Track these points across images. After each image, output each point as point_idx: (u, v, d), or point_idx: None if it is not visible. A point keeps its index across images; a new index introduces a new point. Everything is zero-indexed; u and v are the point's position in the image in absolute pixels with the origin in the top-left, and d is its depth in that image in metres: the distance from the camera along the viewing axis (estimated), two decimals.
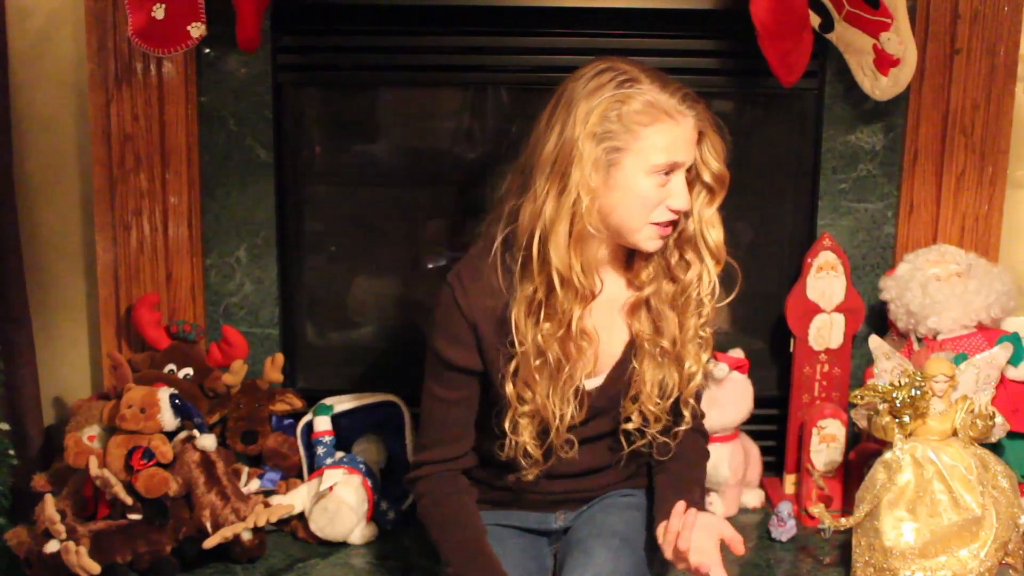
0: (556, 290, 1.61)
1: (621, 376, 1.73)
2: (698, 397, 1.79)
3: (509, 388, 1.66)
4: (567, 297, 1.62)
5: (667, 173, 1.62)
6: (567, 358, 1.65)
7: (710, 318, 1.72)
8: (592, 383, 1.72)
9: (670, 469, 1.77)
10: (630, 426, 1.73)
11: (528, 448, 1.69)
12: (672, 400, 1.73)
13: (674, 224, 1.67)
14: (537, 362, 1.64)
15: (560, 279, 1.61)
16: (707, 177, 1.67)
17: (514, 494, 1.78)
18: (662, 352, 1.71)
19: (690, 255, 1.70)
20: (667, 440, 1.74)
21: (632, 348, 1.73)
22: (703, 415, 1.85)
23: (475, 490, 1.76)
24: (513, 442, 1.69)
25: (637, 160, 1.60)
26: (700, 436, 1.84)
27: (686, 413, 1.74)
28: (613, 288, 1.72)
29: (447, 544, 1.68)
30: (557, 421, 1.67)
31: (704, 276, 1.70)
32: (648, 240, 1.66)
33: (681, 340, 1.71)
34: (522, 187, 1.66)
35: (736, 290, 1.74)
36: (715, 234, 1.69)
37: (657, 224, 1.64)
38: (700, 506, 1.67)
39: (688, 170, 1.65)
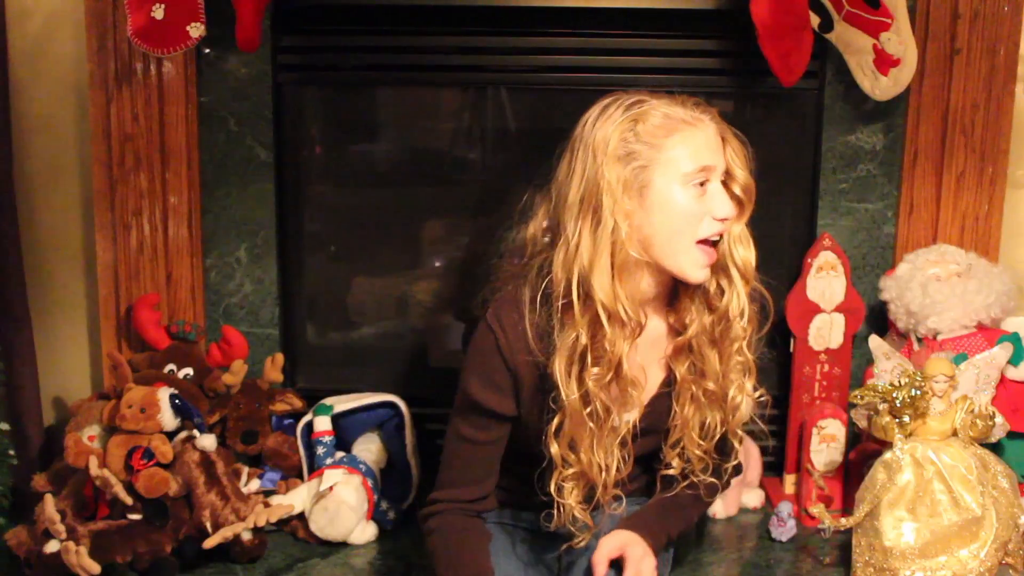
0: (603, 327, 1.54)
1: (654, 410, 1.67)
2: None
3: (555, 448, 1.58)
4: (615, 333, 1.55)
5: (702, 184, 1.55)
6: (613, 403, 1.58)
7: (747, 341, 1.64)
8: (627, 416, 1.65)
9: (671, 495, 1.71)
10: (671, 472, 1.67)
11: (576, 513, 1.60)
12: (716, 439, 1.67)
13: (717, 244, 1.59)
14: (584, 413, 1.56)
15: (607, 314, 1.53)
16: (737, 189, 1.59)
17: (524, 495, 1.72)
18: (706, 394, 1.64)
19: (724, 280, 1.62)
20: (714, 481, 1.69)
21: (670, 385, 1.67)
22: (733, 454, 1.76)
23: (490, 534, 1.70)
24: (560, 507, 1.60)
25: (666, 173, 1.54)
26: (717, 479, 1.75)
27: (736, 444, 1.69)
28: (654, 328, 1.65)
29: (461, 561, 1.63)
30: (604, 475, 1.60)
31: (734, 299, 1.61)
32: (694, 266, 1.57)
33: (723, 372, 1.63)
34: (551, 241, 1.60)
35: (771, 318, 1.68)
36: (743, 251, 1.61)
37: (703, 242, 1.57)
38: (657, 543, 1.65)
39: (723, 182, 1.59)
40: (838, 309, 2.19)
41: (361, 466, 2.09)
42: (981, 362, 1.97)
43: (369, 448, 2.17)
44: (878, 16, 2.03)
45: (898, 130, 2.19)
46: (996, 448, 2.00)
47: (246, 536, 1.95)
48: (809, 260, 2.18)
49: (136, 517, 1.92)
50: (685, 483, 1.69)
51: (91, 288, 2.30)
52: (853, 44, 2.08)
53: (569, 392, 1.55)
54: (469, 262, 2.30)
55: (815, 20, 2.05)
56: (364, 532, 2.05)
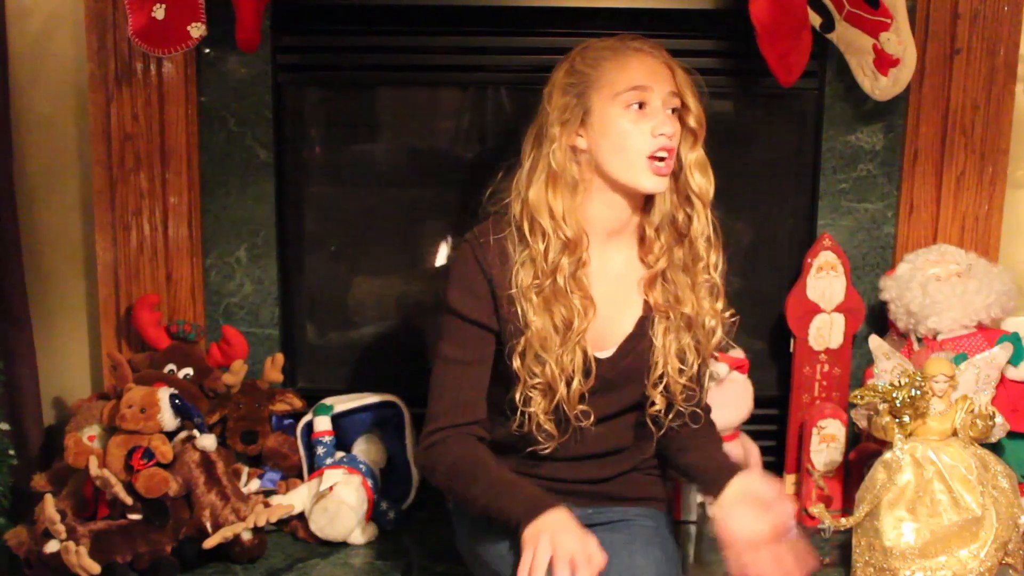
0: (541, 244, 1.66)
1: (632, 349, 1.73)
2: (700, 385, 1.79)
3: (517, 363, 1.68)
4: (553, 248, 1.66)
5: (640, 106, 1.64)
6: (570, 318, 1.67)
7: (712, 263, 1.73)
8: (601, 355, 1.73)
9: (703, 449, 1.78)
10: (655, 410, 1.74)
11: (541, 420, 1.69)
12: (696, 368, 1.74)
13: (666, 160, 1.67)
14: (539, 323, 1.66)
15: (542, 230, 1.66)
16: (690, 119, 1.68)
17: (525, 446, 1.75)
18: (682, 318, 1.72)
19: (687, 208, 1.72)
20: (696, 409, 1.75)
21: (646, 323, 1.74)
22: (709, 409, 1.86)
23: (492, 453, 1.72)
24: (526, 415, 1.69)
25: (602, 93, 1.65)
26: (713, 428, 1.86)
27: (706, 375, 1.76)
28: (624, 264, 1.75)
29: (478, 488, 1.63)
30: (563, 386, 1.67)
31: (695, 222, 1.71)
32: (645, 176, 1.66)
33: (695, 297, 1.73)
34: (508, 174, 1.74)
35: (722, 249, 1.75)
36: (699, 177, 1.70)
37: (650, 157, 1.65)
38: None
39: (678, 115, 1.67)
40: (838, 309, 2.19)
41: (361, 466, 2.09)
42: (981, 362, 1.97)
43: (369, 448, 2.17)
44: (878, 16, 2.03)
45: (898, 130, 2.19)
46: (996, 448, 2.00)
47: (246, 536, 1.94)
48: (809, 260, 2.18)
49: (136, 517, 1.92)
50: (671, 417, 1.74)
51: (91, 288, 2.30)
52: (854, 44, 2.08)
53: (526, 302, 1.67)
54: None
55: (816, 20, 2.05)
56: (364, 532, 2.05)
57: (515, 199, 1.71)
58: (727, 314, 1.75)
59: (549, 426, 1.70)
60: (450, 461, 1.68)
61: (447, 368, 1.71)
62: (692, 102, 1.68)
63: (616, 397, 1.75)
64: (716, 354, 1.79)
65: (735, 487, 1.67)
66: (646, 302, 1.74)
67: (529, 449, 1.73)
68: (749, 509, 1.63)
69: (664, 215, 1.72)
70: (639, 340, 1.74)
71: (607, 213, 1.71)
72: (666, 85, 1.66)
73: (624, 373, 1.74)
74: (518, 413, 1.69)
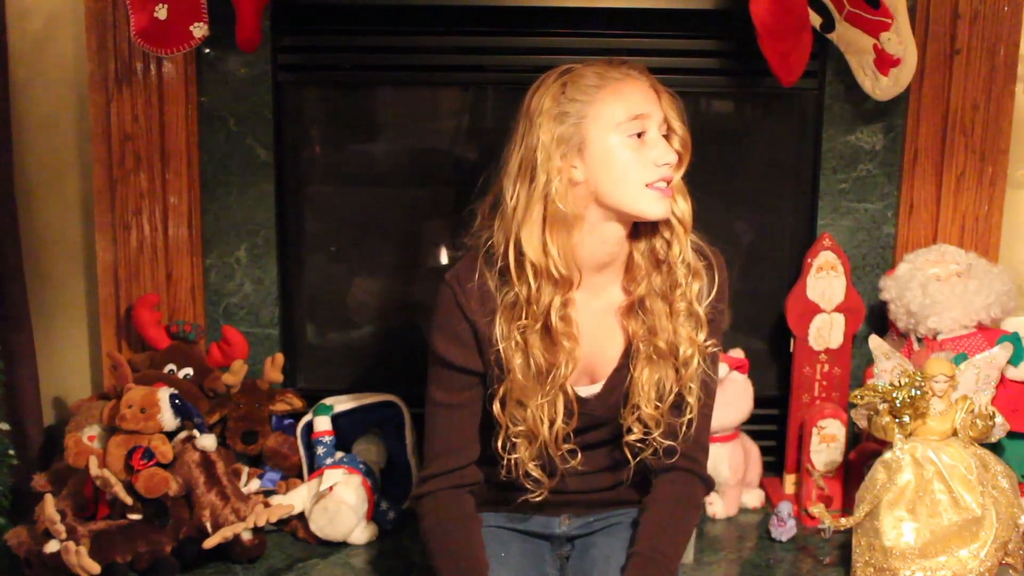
0: (533, 282, 1.60)
1: (620, 384, 1.70)
2: (698, 428, 1.71)
3: (497, 408, 1.65)
4: (543, 286, 1.61)
5: (639, 134, 1.60)
6: (554, 361, 1.63)
7: (693, 292, 1.67)
8: (589, 391, 1.71)
9: (660, 507, 1.71)
10: (632, 438, 1.69)
11: (529, 469, 1.66)
12: (670, 400, 1.69)
13: (670, 186, 1.63)
14: (522, 368, 1.62)
15: (533, 269, 1.60)
16: (675, 143, 1.64)
17: (519, 493, 1.74)
18: (657, 351, 1.67)
19: (666, 232, 1.67)
20: (672, 444, 1.69)
21: (627, 354, 1.70)
22: (705, 452, 1.76)
23: (480, 518, 1.72)
24: (512, 462, 1.66)
25: (600, 124, 1.60)
26: (700, 482, 1.75)
27: (690, 400, 1.68)
28: (610, 295, 1.71)
29: (436, 559, 1.65)
30: (545, 429, 1.64)
31: (675, 246, 1.66)
32: (650, 203, 1.61)
33: (673, 327, 1.67)
34: (494, 209, 1.67)
35: (719, 278, 1.69)
36: (681, 202, 1.65)
37: (651, 186, 1.61)
38: (670, 561, 1.65)
39: (665, 136, 1.64)
40: (838, 309, 2.19)
41: (361, 466, 2.09)
42: (981, 362, 1.97)
43: (369, 448, 2.17)
44: (878, 16, 2.03)
45: (898, 130, 2.19)
46: (996, 448, 2.00)
47: (246, 536, 1.95)
48: (809, 260, 2.18)
49: (136, 517, 1.92)
50: (649, 451, 1.70)
51: (91, 288, 2.30)
52: (854, 44, 2.08)
53: (508, 348, 1.63)
54: None
55: (817, 20, 2.05)
56: (364, 532, 2.05)
57: (499, 236, 1.64)
58: (707, 343, 1.68)
59: (537, 473, 1.67)
60: (434, 525, 1.68)
61: (437, 412, 1.71)
62: (678, 125, 1.64)
63: (599, 433, 1.73)
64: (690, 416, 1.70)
65: None
66: (626, 333, 1.70)
67: (521, 500, 1.71)
68: None
69: (648, 242, 1.68)
70: (625, 373, 1.70)
71: (600, 248, 1.66)
72: (659, 111, 1.63)
73: (611, 408, 1.71)
74: (504, 461, 1.67)
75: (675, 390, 1.69)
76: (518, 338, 1.63)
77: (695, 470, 1.74)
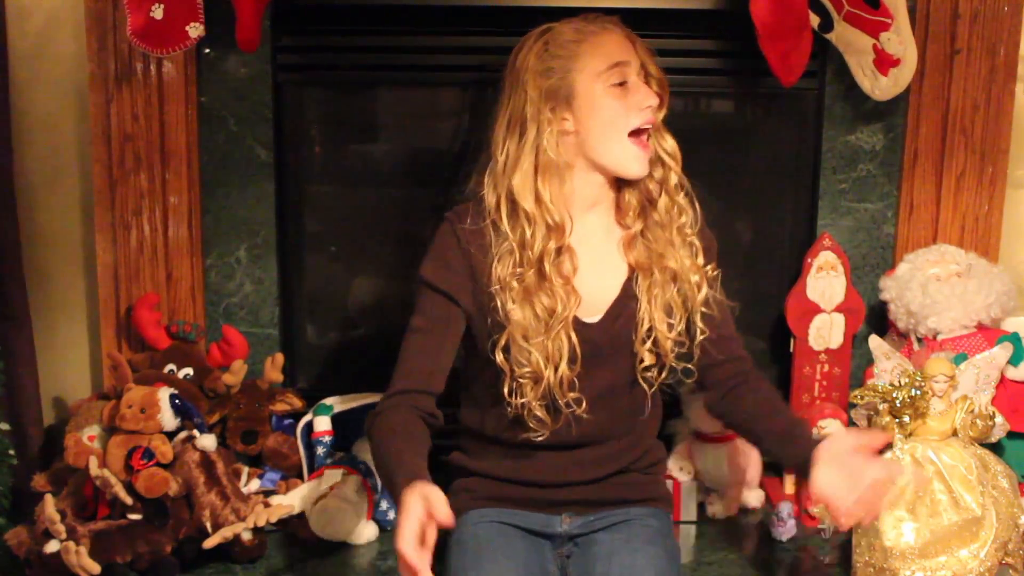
0: (526, 231, 1.66)
1: (620, 313, 1.73)
2: (727, 338, 1.78)
3: (500, 356, 1.68)
4: (537, 235, 1.67)
5: (621, 83, 1.67)
6: (552, 305, 1.67)
7: (688, 219, 1.74)
8: (591, 319, 1.73)
9: (756, 399, 1.76)
10: (644, 367, 1.73)
11: (533, 408, 1.69)
12: (683, 322, 1.74)
13: (649, 136, 1.70)
14: (521, 312, 1.66)
15: (527, 216, 1.66)
16: (654, 84, 1.71)
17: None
18: (667, 272, 1.72)
19: (658, 169, 1.74)
20: (689, 366, 1.75)
21: (631, 283, 1.74)
22: (744, 351, 1.82)
23: (429, 440, 1.69)
24: (518, 404, 1.69)
25: (585, 75, 1.67)
26: (755, 370, 1.82)
27: (701, 324, 1.74)
28: (604, 230, 1.76)
29: (384, 452, 1.64)
30: (552, 372, 1.67)
31: (672, 177, 1.73)
32: (632, 160, 1.69)
33: (678, 255, 1.73)
34: (483, 169, 1.73)
35: (698, 209, 1.75)
36: (668, 138, 1.74)
37: (636, 135, 1.68)
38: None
39: (645, 82, 1.71)
40: (838, 309, 2.19)
41: (361, 466, 2.09)
42: (981, 362, 1.97)
43: (369, 448, 2.17)
44: (878, 16, 2.03)
45: (898, 130, 2.19)
46: (996, 448, 2.00)
47: (246, 536, 1.95)
48: (809, 260, 2.18)
49: (136, 517, 1.92)
50: (663, 376, 1.74)
51: (91, 288, 2.30)
52: (853, 44, 2.08)
53: (506, 297, 1.67)
54: None
55: (815, 20, 2.05)
56: (364, 532, 2.05)
57: (489, 191, 1.71)
58: (708, 268, 1.75)
59: (540, 412, 1.70)
60: (384, 431, 1.67)
61: (410, 337, 1.73)
62: (654, 69, 1.72)
63: (608, 371, 1.74)
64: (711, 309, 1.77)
65: (825, 456, 1.60)
66: (629, 264, 1.75)
67: (523, 437, 1.73)
68: (847, 474, 1.57)
69: (640, 183, 1.74)
70: (627, 302, 1.74)
71: (587, 191, 1.73)
72: (636, 58, 1.70)
73: (615, 338, 1.73)
74: (508, 403, 1.70)
75: (685, 314, 1.74)
76: (515, 284, 1.67)
77: (747, 368, 1.80)
